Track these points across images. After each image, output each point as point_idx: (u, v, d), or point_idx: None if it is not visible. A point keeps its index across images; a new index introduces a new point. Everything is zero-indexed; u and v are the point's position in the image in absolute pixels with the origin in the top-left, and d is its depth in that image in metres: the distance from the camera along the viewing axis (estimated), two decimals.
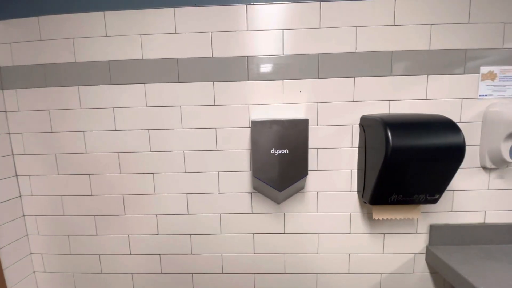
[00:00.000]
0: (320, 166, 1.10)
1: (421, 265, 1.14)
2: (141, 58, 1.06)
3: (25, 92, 1.12)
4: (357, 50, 1.02)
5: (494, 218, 1.10)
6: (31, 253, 1.24)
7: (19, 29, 1.08)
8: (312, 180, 1.11)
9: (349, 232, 1.14)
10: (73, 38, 1.07)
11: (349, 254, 1.15)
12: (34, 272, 1.26)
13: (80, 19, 1.06)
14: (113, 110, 1.10)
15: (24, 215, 1.21)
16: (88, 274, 1.23)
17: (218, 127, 1.09)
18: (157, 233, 1.18)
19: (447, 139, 0.85)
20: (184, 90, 1.08)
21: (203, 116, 1.09)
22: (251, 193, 1.13)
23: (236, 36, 1.04)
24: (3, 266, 1.11)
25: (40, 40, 1.08)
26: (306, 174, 0.99)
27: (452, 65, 1.03)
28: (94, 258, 1.21)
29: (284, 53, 1.03)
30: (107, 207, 1.17)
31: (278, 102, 1.07)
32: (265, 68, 1.05)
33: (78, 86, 1.10)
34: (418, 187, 0.92)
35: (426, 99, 1.04)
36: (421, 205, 1.06)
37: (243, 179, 1.12)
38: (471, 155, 1.06)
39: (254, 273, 1.19)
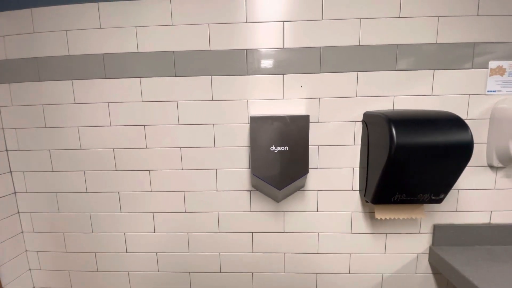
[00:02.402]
0: (321, 164, 1.06)
1: (424, 265, 1.12)
2: (136, 51, 1.03)
3: (18, 86, 1.09)
4: (360, 44, 0.98)
5: (500, 218, 1.07)
6: (26, 251, 1.22)
7: (11, 22, 1.05)
8: (313, 178, 1.08)
9: (350, 231, 1.11)
10: (66, 31, 1.04)
11: (350, 254, 1.13)
12: (29, 269, 1.24)
13: (74, 10, 1.03)
14: (108, 105, 1.07)
15: (19, 212, 1.19)
16: (84, 272, 1.22)
17: (216, 123, 1.06)
18: (153, 231, 1.15)
19: (454, 137, 0.82)
20: (181, 85, 1.04)
21: (201, 112, 1.06)
22: (250, 191, 1.10)
23: (235, 28, 1.00)
24: None
25: (33, 32, 1.05)
26: (307, 172, 0.96)
27: (459, 60, 0.99)
28: (90, 256, 1.20)
29: (285, 46, 1.00)
30: (102, 205, 1.15)
31: (278, 98, 1.03)
32: (265, 62, 1.01)
33: (72, 80, 1.07)
34: (422, 186, 0.89)
35: (432, 95, 1.00)
36: (425, 205, 1.02)
37: (242, 176, 1.09)
38: (478, 153, 1.03)
39: (252, 273, 1.17)
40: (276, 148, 0.94)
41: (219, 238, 1.14)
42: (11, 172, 1.16)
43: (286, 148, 0.94)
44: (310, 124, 1.00)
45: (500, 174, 1.04)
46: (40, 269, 1.24)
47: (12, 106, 1.11)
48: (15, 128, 1.12)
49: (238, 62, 1.02)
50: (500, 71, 0.99)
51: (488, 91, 1.00)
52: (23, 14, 1.04)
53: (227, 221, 1.13)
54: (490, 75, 1.00)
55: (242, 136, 1.06)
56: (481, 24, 0.97)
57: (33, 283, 1.26)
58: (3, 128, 1.13)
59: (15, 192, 1.17)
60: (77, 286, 1.23)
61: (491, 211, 1.07)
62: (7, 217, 1.14)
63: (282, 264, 1.15)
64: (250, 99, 1.04)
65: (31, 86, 1.08)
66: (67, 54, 1.05)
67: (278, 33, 0.99)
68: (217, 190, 1.11)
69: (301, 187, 1.08)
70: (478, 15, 0.97)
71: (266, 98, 1.04)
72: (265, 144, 0.94)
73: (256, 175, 0.96)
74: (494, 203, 1.07)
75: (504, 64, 0.99)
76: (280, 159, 0.95)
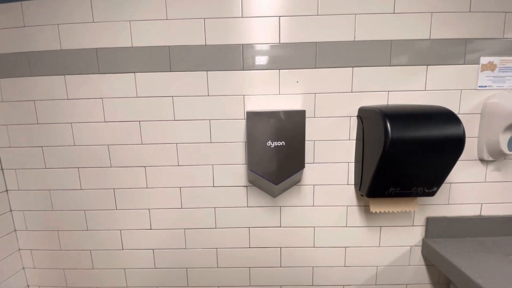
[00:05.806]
0: (317, 159, 1.07)
1: (417, 257, 1.14)
2: (130, 45, 1.02)
3: (9, 82, 1.06)
4: (355, 39, 0.99)
5: (490, 210, 1.10)
6: (19, 249, 1.20)
7: (0, 15, 1.02)
8: (309, 173, 1.08)
9: (345, 225, 1.12)
10: (58, 24, 1.02)
11: (345, 247, 1.14)
12: (23, 268, 1.22)
13: (65, 3, 1.00)
14: (102, 100, 1.06)
15: (11, 210, 1.17)
16: (79, 270, 1.20)
17: (212, 119, 1.06)
18: (150, 228, 1.15)
19: (447, 131, 0.83)
20: (176, 80, 1.03)
21: (196, 107, 1.05)
22: (247, 186, 1.11)
23: (231, 23, 0.99)
24: None
25: (24, 26, 1.03)
26: (303, 167, 0.97)
27: (452, 55, 1.00)
28: (85, 254, 1.18)
29: (281, 41, 1.00)
30: (97, 202, 1.13)
31: (274, 93, 1.03)
32: (261, 57, 1.01)
33: (64, 75, 1.05)
34: (416, 179, 0.90)
35: (425, 90, 1.02)
36: (419, 198, 1.04)
37: (239, 172, 1.09)
38: (469, 147, 1.05)
39: (249, 267, 1.17)
40: (272, 143, 0.95)
41: (216, 233, 1.14)
42: (2, 169, 1.13)
43: (283, 143, 0.95)
44: (306, 119, 1.01)
45: (490, 167, 1.07)
46: (34, 268, 1.22)
47: (2, 102, 1.08)
48: (6, 125, 1.10)
49: (234, 57, 1.01)
50: (491, 66, 1.01)
51: (479, 86, 1.02)
52: (13, 7, 1.01)
53: (224, 217, 1.13)
54: (481, 71, 1.01)
55: (238, 131, 1.06)
56: (473, 20, 0.99)
57: (27, 281, 1.24)
58: None
59: (7, 190, 1.15)
60: (72, 284, 1.22)
61: (481, 204, 1.10)
62: None
63: (279, 258, 1.16)
64: (246, 94, 1.04)
65: (22, 81, 1.06)
66: (59, 48, 1.03)
67: (274, 28, 0.99)
68: (213, 186, 1.11)
69: (297, 182, 1.09)
70: (470, 11, 0.98)
71: (262, 93, 1.03)
72: (261, 139, 0.94)
73: (253, 170, 0.96)
74: (485, 196, 1.09)
75: (495, 59, 1.01)
76: (277, 154, 0.95)
